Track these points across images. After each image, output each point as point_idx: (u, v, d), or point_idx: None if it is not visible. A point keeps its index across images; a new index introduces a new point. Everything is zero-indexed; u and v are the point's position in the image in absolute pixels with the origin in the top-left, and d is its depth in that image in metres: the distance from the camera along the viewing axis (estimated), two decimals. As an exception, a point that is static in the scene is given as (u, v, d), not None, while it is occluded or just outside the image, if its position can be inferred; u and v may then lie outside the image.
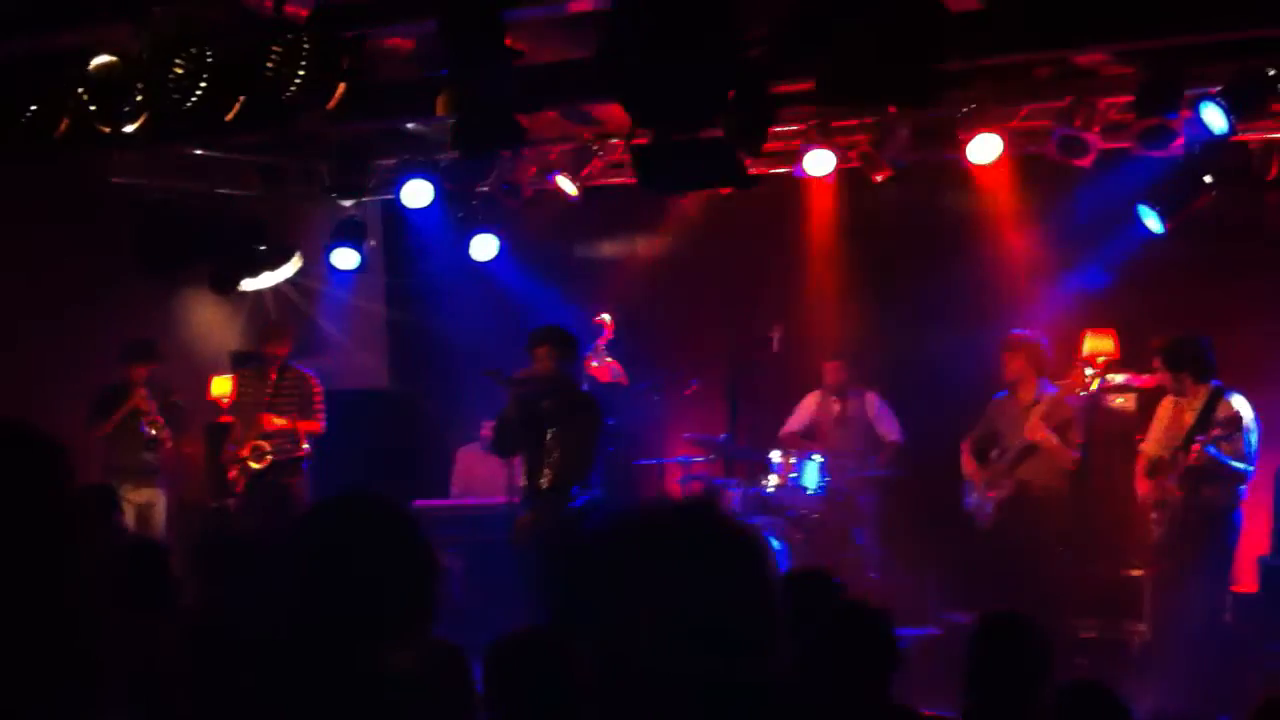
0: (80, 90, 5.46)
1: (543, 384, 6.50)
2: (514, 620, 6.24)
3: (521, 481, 6.67)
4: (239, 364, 8.74)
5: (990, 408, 7.19)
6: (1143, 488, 6.43)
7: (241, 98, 5.20)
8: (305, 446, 8.02)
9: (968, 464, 7.17)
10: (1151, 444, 6.46)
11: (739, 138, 6.14)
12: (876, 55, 4.58)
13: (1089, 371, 6.59)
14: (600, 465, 6.77)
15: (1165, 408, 6.47)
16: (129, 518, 7.55)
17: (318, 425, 8.10)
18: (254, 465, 7.90)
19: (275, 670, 1.98)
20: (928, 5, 4.67)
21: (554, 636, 2.91)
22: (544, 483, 6.50)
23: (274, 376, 8.02)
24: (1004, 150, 7.01)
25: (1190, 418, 6.26)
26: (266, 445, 7.92)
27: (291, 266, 8.42)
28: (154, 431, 7.85)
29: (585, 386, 7.75)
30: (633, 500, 8.36)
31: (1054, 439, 6.80)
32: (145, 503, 7.86)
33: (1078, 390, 6.65)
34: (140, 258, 7.96)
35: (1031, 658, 3.31)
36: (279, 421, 7.95)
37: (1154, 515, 6.35)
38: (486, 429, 8.54)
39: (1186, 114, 6.34)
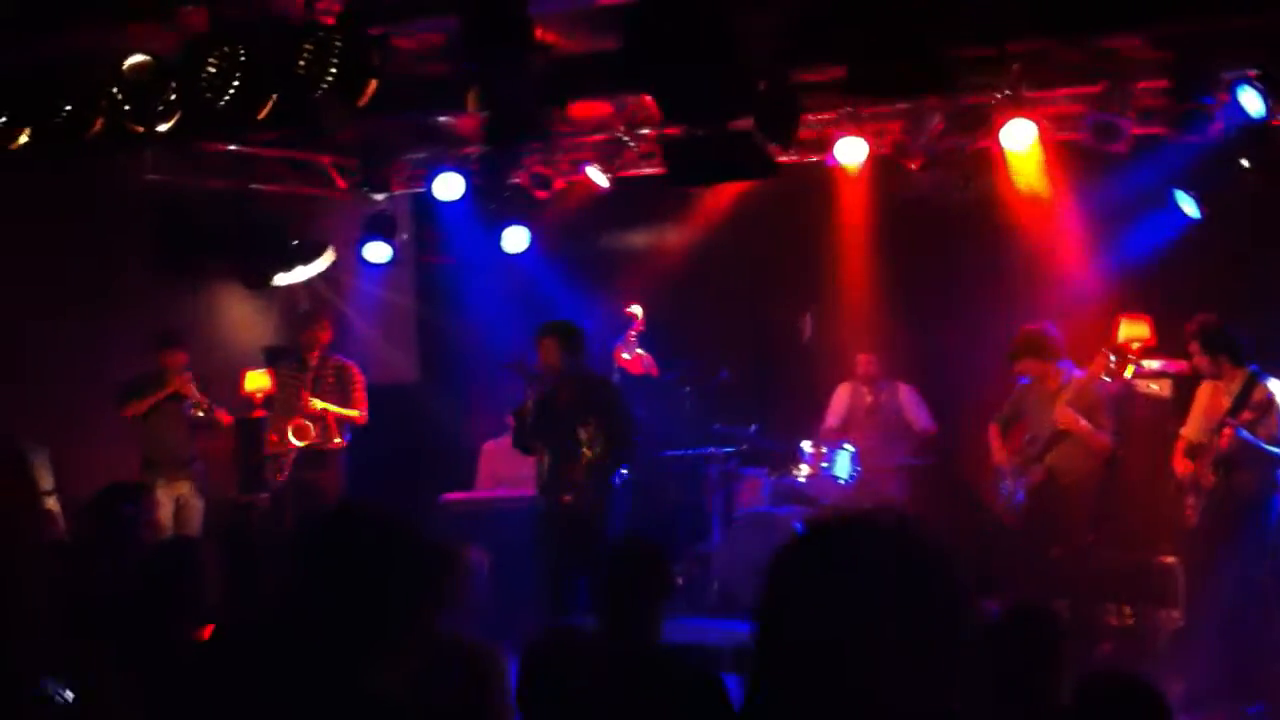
0: (114, 90, 5.51)
1: (558, 376, 6.62)
2: (541, 614, 6.36)
3: (546, 469, 6.75)
4: (273, 359, 8.77)
5: (1017, 392, 7.15)
6: (1181, 466, 6.38)
7: (274, 96, 5.24)
8: (336, 440, 8.00)
9: (997, 449, 7.13)
10: (1191, 428, 6.41)
11: (769, 130, 6.13)
12: (900, 45, 4.55)
13: (1112, 357, 6.53)
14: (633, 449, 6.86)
15: (1204, 392, 6.42)
16: (167, 512, 7.57)
17: (359, 415, 8.11)
18: (296, 441, 7.85)
19: (263, 678, 1.99)
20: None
21: (587, 635, 2.94)
22: (578, 469, 6.59)
23: (315, 363, 8.00)
24: (1038, 136, 6.94)
25: (1227, 402, 6.20)
26: (310, 425, 7.89)
27: (324, 261, 8.46)
28: (200, 412, 7.68)
29: (616, 378, 7.80)
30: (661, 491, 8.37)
31: (1084, 424, 6.75)
32: (181, 497, 7.79)
33: (1102, 375, 6.59)
34: (172, 254, 8.01)
35: (1047, 650, 3.28)
36: (320, 405, 7.94)
37: (1190, 500, 6.29)
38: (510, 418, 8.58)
39: (1224, 98, 6.26)
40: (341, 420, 8.03)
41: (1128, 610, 7.09)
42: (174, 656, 3.35)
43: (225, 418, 7.89)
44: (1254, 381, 6.16)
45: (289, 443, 7.84)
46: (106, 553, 4.58)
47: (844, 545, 1.55)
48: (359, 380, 8.12)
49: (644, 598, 3.45)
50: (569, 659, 3.13)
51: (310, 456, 7.93)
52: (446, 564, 2.14)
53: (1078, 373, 6.90)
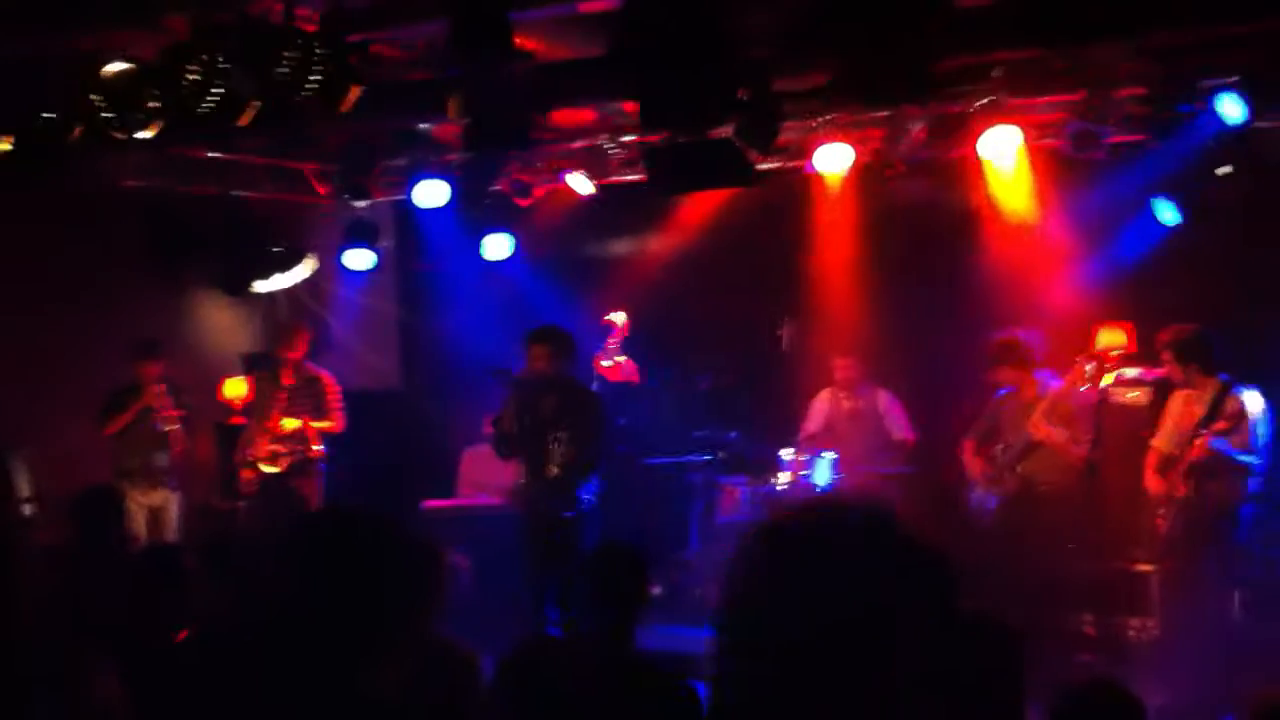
0: (94, 97, 5.49)
1: (543, 384, 6.57)
2: (522, 621, 6.35)
3: (524, 478, 6.74)
4: (252, 366, 8.75)
5: (993, 404, 7.18)
6: (1153, 484, 6.40)
7: (255, 103, 5.23)
8: (316, 448, 8.00)
9: (970, 460, 7.17)
10: (1162, 439, 6.43)
11: (749, 138, 6.16)
12: (880, 53, 4.58)
13: (1088, 367, 6.56)
14: (606, 462, 6.84)
15: (1176, 402, 6.44)
16: (141, 521, 7.55)
17: (335, 424, 8.10)
18: (268, 469, 7.91)
19: (255, 683, 1.99)
20: (930, 1, 4.67)
21: (564, 641, 2.95)
22: (550, 478, 6.58)
23: (288, 378, 8.02)
24: (1018, 144, 6.98)
25: (1199, 411, 6.23)
26: (282, 448, 7.92)
27: (305, 268, 8.44)
28: (168, 427, 7.76)
29: (595, 386, 7.79)
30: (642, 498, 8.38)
31: (1057, 435, 6.78)
32: (157, 505, 7.81)
33: (1079, 386, 6.62)
34: (152, 260, 7.98)
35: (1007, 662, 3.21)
36: (291, 424, 7.95)
37: (1162, 510, 6.32)
38: (488, 425, 8.58)
39: (1201, 105, 6.31)
40: (318, 430, 8.05)
41: (1101, 619, 7.12)
42: (160, 662, 3.34)
43: (183, 440, 7.87)
44: (1225, 391, 6.19)
45: (260, 467, 7.88)
46: (86, 557, 4.57)
47: (815, 535, 1.44)
48: (333, 390, 8.11)
49: (620, 603, 3.46)
50: (546, 665, 3.14)
51: (289, 466, 7.94)
52: (436, 563, 2.13)
53: (1055, 382, 6.93)
